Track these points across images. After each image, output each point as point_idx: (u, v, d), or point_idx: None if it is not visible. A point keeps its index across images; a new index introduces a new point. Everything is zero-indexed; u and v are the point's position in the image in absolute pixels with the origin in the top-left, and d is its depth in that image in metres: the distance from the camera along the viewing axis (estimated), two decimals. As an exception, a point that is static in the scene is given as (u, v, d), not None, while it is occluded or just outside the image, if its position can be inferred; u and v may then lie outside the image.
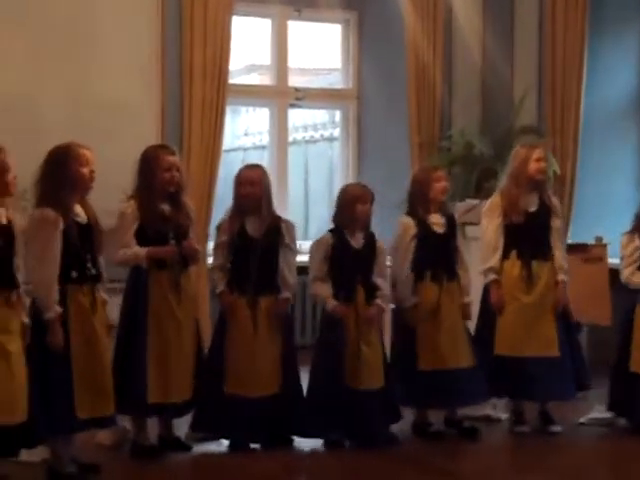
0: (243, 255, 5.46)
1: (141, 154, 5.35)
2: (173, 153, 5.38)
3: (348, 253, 5.56)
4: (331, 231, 5.65)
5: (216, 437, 5.57)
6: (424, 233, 5.72)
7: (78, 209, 4.91)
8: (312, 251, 5.66)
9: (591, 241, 7.67)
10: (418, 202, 5.78)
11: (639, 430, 5.80)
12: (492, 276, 5.85)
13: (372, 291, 5.59)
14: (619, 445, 5.82)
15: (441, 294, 5.73)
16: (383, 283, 5.65)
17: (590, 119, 8.42)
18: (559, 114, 8.43)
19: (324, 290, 5.56)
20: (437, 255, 5.75)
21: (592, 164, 8.42)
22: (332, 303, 5.52)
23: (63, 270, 4.77)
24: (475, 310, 5.98)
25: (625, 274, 5.90)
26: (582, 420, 6.11)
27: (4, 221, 4.53)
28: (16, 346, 4.52)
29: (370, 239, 5.65)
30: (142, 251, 5.20)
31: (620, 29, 8.45)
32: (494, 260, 5.85)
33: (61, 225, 4.77)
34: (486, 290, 5.94)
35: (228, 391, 5.40)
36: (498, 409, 6.21)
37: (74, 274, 4.83)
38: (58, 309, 4.73)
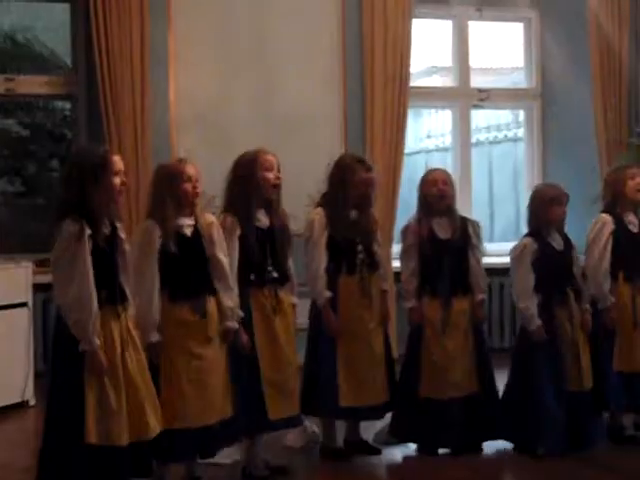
0: (434, 257, 5.40)
1: (337, 162, 5.34)
2: (369, 169, 5.31)
3: (553, 256, 5.42)
4: (530, 235, 5.50)
5: (405, 441, 5.55)
6: (621, 232, 5.57)
7: (261, 214, 4.97)
8: (515, 261, 5.46)
9: None
10: (614, 201, 5.65)
11: None
12: None
13: (580, 291, 5.47)
14: None
15: (635, 296, 5.56)
16: (583, 284, 5.52)
17: None
18: None
19: (529, 307, 5.36)
20: (632, 255, 5.58)
21: None
22: (535, 324, 5.36)
23: (242, 273, 4.85)
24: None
25: None
26: None
27: (187, 232, 4.61)
28: (210, 349, 4.60)
29: (567, 240, 5.51)
30: (323, 297, 5.20)
31: None
32: None
33: (238, 231, 4.85)
34: None
35: (423, 394, 5.37)
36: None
37: (253, 277, 4.90)
38: (239, 313, 4.80)
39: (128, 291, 4.37)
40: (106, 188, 4.22)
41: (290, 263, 5.10)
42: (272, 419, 4.90)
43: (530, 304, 5.37)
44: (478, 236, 5.52)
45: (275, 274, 4.98)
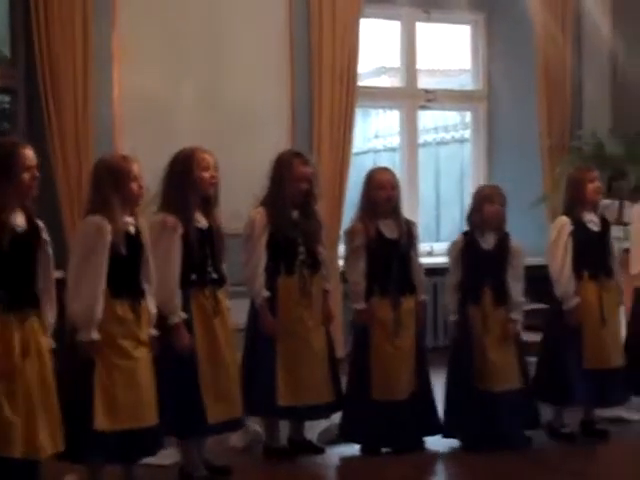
0: (383, 258, 5.39)
1: (275, 159, 5.30)
2: (307, 163, 5.28)
3: (477, 254, 5.51)
4: (464, 233, 5.62)
5: (353, 441, 5.50)
6: (581, 231, 5.63)
7: (198, 214, 4.89)
8: (448, 255, 5.67)
9: None
10: (574, 202, 5.71)
11: None
12: None
13: (502, 294, 5.49)
14: None
15: (601, 293, 5.64)
16: (517, 287, 5.54)
17: None
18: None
19: (451, 301, 5.58)
20: (595, 254, 5.68)
21: None
22: (451, 318, 5.59)
23: (183, 274, 4.77)
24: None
25: None
26: None
27: (132, 231, 4.51)
28: (142, 352, 4.49)
29: (503, 240, 5.55)
30: (260, 297, 5.17)
31: None
32: None
33: (180, 230, 4.77)
34: (638, 293, 5.95)
35: (375, 397, 5.34)
36: (630, 410, 6.04)
37: (194, 277, 4.83)
38: (182, 314, 4.74)
39: (48, 298, 4.19)
40: (15, 184, 4.03)
41: (224, 264, 5.02)
42: (211, 423, 4.81)
43: (451, 299, 5.58)
44: (417, 236, 5.60)
45: (215, 275, 4.92)
